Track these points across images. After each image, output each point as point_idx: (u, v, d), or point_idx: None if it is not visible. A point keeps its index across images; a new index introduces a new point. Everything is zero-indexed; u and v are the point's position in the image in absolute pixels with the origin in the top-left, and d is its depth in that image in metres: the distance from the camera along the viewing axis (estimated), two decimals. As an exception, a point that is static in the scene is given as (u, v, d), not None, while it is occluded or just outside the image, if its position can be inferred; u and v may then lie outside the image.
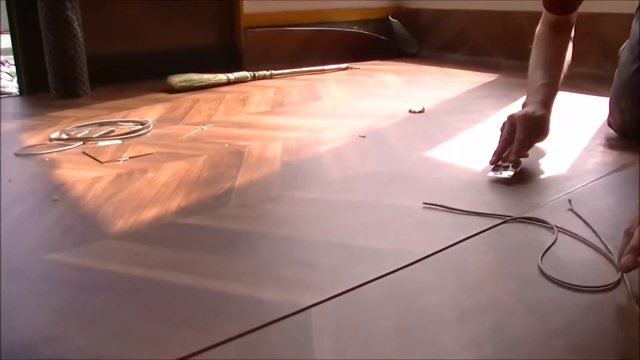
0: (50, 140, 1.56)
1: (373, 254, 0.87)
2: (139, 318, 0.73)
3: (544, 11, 1.46)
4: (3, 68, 2.45)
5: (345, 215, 1.02)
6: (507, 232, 0.95)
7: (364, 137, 1.51)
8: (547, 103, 1.29)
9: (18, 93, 2.26)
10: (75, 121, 1.73)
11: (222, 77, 2.25)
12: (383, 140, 1.48)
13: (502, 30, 2.63)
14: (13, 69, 2.44)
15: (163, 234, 0.96)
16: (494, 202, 1.07)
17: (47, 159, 1.40)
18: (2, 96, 2.22)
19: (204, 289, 0.79)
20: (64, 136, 1.58)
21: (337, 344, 0.67)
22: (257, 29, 2.63)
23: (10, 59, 2.49)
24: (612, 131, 1.48)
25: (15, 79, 2.41)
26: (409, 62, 2.76)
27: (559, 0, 1.43)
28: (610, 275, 0.80)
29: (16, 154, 1.45)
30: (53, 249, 0.92)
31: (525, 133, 1.20)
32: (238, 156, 1.36)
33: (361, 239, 0.92)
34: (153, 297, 0.77)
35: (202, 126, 1.64)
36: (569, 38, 1.45)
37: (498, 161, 1.20)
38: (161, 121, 1.72)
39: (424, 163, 1.29)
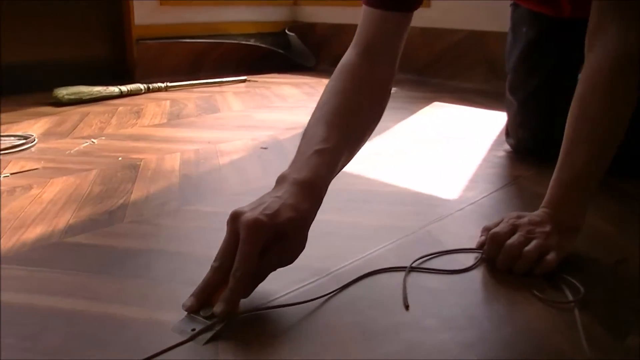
0: None
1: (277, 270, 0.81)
2: (20, 350, 0.63)
3: (361, 21, 0.94)
4: None
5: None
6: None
7: (265, 148, 1.45)
8: (313, 187, 0.75)
9: None
10: (-53, 137, 1.58)
11: (113, 89, 2.13)
12: (285, 152, 1.43)
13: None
14: None
15: (48, 255, 0.87)
16: (401, 214, 1.05)
17: None
18: None
19: (94, 313, 0.71)
20: None
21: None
22: (149, 41, 2.52)
23: None
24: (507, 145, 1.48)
25: None
26: (306, 75, 2.74)
27: None
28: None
29: None
30: None
31: (250, 260, 0.68)
32: (133, 170, 1.27)
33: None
34: (35, 327, 0.68)
35: (92, 139, 1.53)
36: (389, 84, 0.95)
37: (197, 307, 0.68)
38: (47, 135, 1.59)
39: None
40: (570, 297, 0.76)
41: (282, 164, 1.31)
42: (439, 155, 1.41)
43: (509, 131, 1.44)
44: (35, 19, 2.28)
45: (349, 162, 0.87)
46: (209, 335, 0.65)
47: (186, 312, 0.68)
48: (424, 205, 1.09)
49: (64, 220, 1.00)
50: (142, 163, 1.32)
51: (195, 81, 2.40)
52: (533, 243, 0.82)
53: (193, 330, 0.66)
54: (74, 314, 0.71)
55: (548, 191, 0.88)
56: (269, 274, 0.72)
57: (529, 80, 1.36)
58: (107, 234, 0.94)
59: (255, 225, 0.68)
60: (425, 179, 1.23)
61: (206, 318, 0.67)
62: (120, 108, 1.96)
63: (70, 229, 0.96)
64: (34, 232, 0.95)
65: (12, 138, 1.56)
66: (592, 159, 0.86)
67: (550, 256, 0.81)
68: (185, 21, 2.64)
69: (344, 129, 0.83)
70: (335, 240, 0.93)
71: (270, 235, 0.69)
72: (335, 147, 0.80)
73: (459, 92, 2.23)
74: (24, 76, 2.25)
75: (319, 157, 0.78)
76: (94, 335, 0.66)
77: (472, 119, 1.80)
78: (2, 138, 1.56)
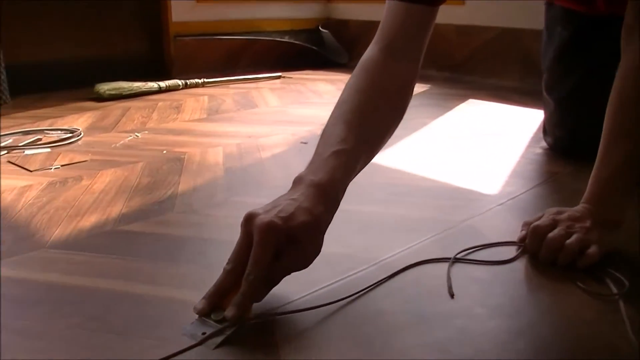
0: (-30, 150, 1.45)
1: (326, 259, 0.84)
2: (87, 330, 0.67)
3: (385, 15, 0.91)
4: None
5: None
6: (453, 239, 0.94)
7: (305, 143, 1.48)
8: (329, 190, 0.74)
9: None
10: (-5, 131, 1.63)
11: (152, 85, 2.17)
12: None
13: (430, 41, 2.67)
14: None
15: (105, 242, 0.90)
16: (443, 207, 1.07)
17: (-32, 169, 1.30)
18: None
19: (154, 297, 0.74)
20: (-14, 145, 1.48)
21: (299, 349, 0.63)
22: (186, 38, 2.56)
23: None
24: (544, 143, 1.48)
25: None
26: (340, 71, 2.76)
27: None
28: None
29: None
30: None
31: (263, 264, 0.66)
32: (178, 162, 1.31)
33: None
34: (100, 308, 0.72)
35: (136, 133, 1.58)
36: (412, 83, 0.92)
37: (209, 310, 0.68)
38: (91, 129, 1.63)
39: (367, 169, 1.27)
40: (615, 290, 0.77)
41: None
42: (476, 151, 1.42)
43: (547, 129, 1.44)
44: (75, 17, 2.33)
45: (369, 162, 0.85)
46: (219, 339, 0.64)
47: (197, 316, 0.67)
48: (464, 199, 1.10)
49: (116, 209, 1.03)
50: (186, 156, 1.36)
51: (231, 77, 2.43)
52: (574, 237, 0.83)
53: (204, 334, 0.64)
54: (135, 297, 0.74)
55: (588, 187, 0.89)
56: (282, 278, 0.70)
57: (565, 81, 1.36)
58: (159, 223, 0.97)
59: (269, 227, 0.66)
60: (464, 174, 1.24)
61: (217, 322, 0.66)
62: (160, 103, 2.00)
63: (123, 218, 1.00)
64: (89, 221, 0.98)
65: (59, 132, 1.61)
66: (631, 154, 0.86)
67: (592, 249, 0.82)
68: (221, 18, 2.68)
69: (364, 129, 0.81)
70: (380, 231, 0.95)
71: (284, 239, 0.68)
72: (354, 148, 0.78)
73: (494, 90, 2.23)
74: (66, 72, 2.30)
75: (337, 159, 0.76)
76: (155, 317, 0.69)
77: (508, 116, 1.81)
78: (49, 132, 1.61)
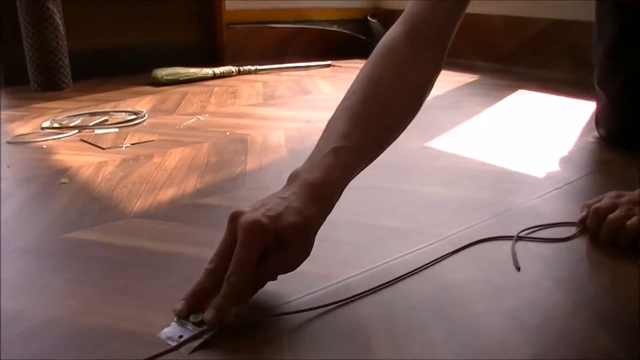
0: (42, 129, 1.53)
1: (396, 233, 0.89)
2: (181, 289, 0.72)
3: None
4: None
5: (361, 197, 1.03)
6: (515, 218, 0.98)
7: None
8: (323, 190, 0.69)
9: (-6, 86, 2.21)
10: (62, 112, 1.70)
11: (207, 71, 2.24)
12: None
13: (479, 33, 2.68)
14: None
15: (185, 213, 0.96)
16: (502, 190, 1.10)
17: (44, 146, 1.38)
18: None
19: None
20: (56, 125, 1.56)
21: (381, 306, 0.68)
22: (238, 25, 2.62)
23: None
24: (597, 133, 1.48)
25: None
26: (387, 61, 2.79)
27: None
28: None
29: (9, 142, 1.42)
30: (71, 228, 0.91)
31: (247, 265, 0.63)
32: (242, 143, 1.37)
33: (381, 218, 0.94)
34: (189, 271, 0.77)
35: (198, 116, 1.64)
36: (435, 73, 0.84)
37: (187, 312, 0.64)
38: (153, 112, 1.70)
39: (425, 153, 1.31)
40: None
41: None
42: (530, 139, 1.45)
43: (599, 121, 1.46)
44: (132, 7, 2.40)
45: (374, 159, 0.78)
46: (196, 343, 0.61)
47: (175, 318, 0.64)
48: (522, 182, 1.13)
49: (190, 184, 1.09)
50: (249, 138, 1.41)
51: (283, 65, 2.49)
52: (635, 218, 0.86)
53: (181, 337, 0.62)
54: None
55: None
56: (267, 281, 0.68)
57: (616, 76, 1.36)
58: (233, 198, 1.03)
59: (255, 227, 0.63)
60: (519, 159, 1.27)
61: (195, 324, 0.63)
62: (216, 89, 2.06)
63: (198, 193, 1.05)
64: (167, 194, 1.05)
65: (124, 113, 1.68)
66: None
67: None
68: (271, 7, 2.73)
69: (370, 124, 0.74)
70: (443, 211, 0.99)
71: (271, 240, 0.64)
72: (356, 145, 0.72)
73: (543, 81, 2.24)
74: (124, 59, 2.38)
75: (336, 157, 0.70)
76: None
77: (559, 107, 1.82)
78: (115, 113, 1.68)
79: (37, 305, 0.70)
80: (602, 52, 1.39)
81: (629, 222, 0.86)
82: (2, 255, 0.83)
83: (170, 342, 0.62)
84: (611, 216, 0.87)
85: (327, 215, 0.70)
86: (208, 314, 0.63)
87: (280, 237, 0.65)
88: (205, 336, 0.62)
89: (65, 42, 2.08)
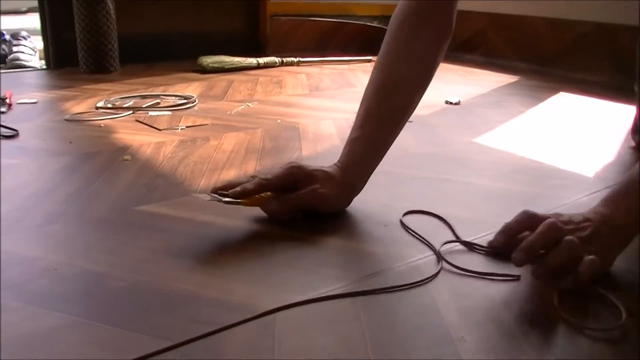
0: (97, 108, 1.58)
1: (458, 222, 0.91)
2: (257, 264, 0.76)
3: None
4: (25, 42, 2.45)
5: (420, 186, 1.06)
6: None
7: (410, 122, 1.54)
8: (344, 170, 0.92)
9: (44, 67, 2.27)
10: (113, 94, 1.75)
11: (252, 60, 2.28)
12: (429, 126, 1.52)
13: (519, 34, 2.69)
14: (35, 44, 2.45)
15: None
16: (553, 186, 1.12)
17: (101, 125, 1.42)
18: (25, 70, 2.24)
19: (313, 241, 0.83)
20: (109, 105, 1.60)
21: (450, 287, 0.71)
22: (282, 17, 2.66)
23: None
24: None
25: (37, 54, 2.42)
26: (426, 59, 2.81)
27: None
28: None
29: (67, 119, 1.47)
30: (141, 202, 0.95)
31: (275, 178, 0.88)
32: (294, 131, 1.40)
33: (441, 207, 0.97)
34: (265, 247, 0.81)
35: (247, 103, 1.68)
36: (445, 35, 0.91)
37: (217, 190, 0.86)
38: (203, 97, 1.74)
39: (474, 148, 1.34)
40: (611, 324, 0.66)
41: (430, 136, 1.41)
42: (573, 140, 1.46)
43: (637, 128, 1.46)
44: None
45: (396, 137, 0.94)
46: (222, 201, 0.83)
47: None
48: (572, 180, 1.15)
49: (251, 166, 1.13)
50: (300, 126, 1.45)
51: (325, 58, 2.52)
52: (587, 260, 0.70)
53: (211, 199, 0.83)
54: (296, 240, 0.84)
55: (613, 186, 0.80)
56: (299, 205, 0.87)
57: None
58: (294, 181, 1.06)
59: (290, 163, 0.88)
60: (566, 159, 1.29)
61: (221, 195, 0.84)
62: (261, 78, 2.10)
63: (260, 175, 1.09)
64: (229, 174, 1.08)
65: (174, 97, 1.72)
66: None
67: (588, 264, 0.70)
68: (315, 0, 2.76)
69: (381, 109, 0.91)
70: (499, 202, 1.01)
71: (301, 175, 0.87)
72: (371, 133, 0.91)
73: (583, 84, 2.25)
74: (169, 45, 2.43)
75: (353, 146, 0.92)
76: (314, 256, 0.79)
77: (600, 110, 1.84)
78: (165, 97, 1.73)
79: (121, 269, 0.74)
80: None
81: (581, 268, 0.70)
82: (80, 222, 0.87)
83: (200, 196, 0.85)
84: (552, 260, 0.71)
85: (352, 192, 0.92)
86: (232, 191, 0.84)
87: (309, 175, 0.87)
88: (224, 200, 0.83)
89: (115, 26, 2.13)
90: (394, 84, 0.90)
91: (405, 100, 0.92)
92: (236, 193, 0.83)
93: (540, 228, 0.72)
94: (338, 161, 0.92)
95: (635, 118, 1.47)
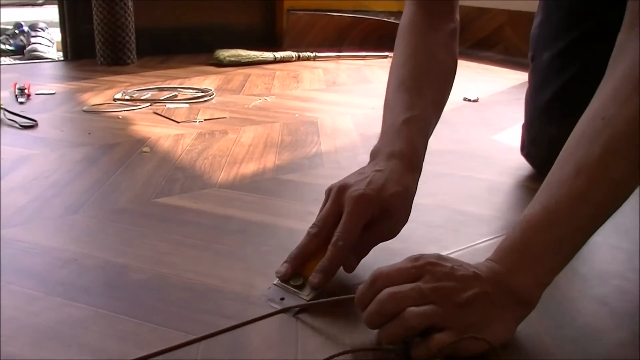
0: (114, 100, 1.58)
1: (481, 220, 0.90)
2: (279, 257, 0.75)
3: None
4: (42, 34, 2.46)
5: (444, 183, 1.05)
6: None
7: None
8: (412, 158, 0.73)
9: (62, 59, 2.27)
10: (130, 86, 1.75)
11: (268, 55, 2.27)
12: (448, 123, 1.51)
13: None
14: (52, 35, 2.46)
15: (270, 187, 1.00)
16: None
17: (120, 117, 1.42)
18: (43, 61, 2.25)
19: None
20: (127, 97, 1.60)
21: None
22: (299, 12, 2.65)
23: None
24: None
25: (54, 45, 2.43)
26: (442, 56, 2.79)
27: None
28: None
29: (85, 111, 1.47)
30: (161, 194, 0.95)
31: (354, 232, 0.67)
32: (312, 125, 1.39)
33: (464, 205, 0.96)
34: (285, 240, 0.80)
35: (265, 97, 1.67)
36: (455, 32, 0.87)
37: (290, 275, 0.67)
38: (220, 90, 1.74)
39: (494, 145, 1.32)
40: None
41: (450, 132, 1.40)
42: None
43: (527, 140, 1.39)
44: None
45: (437, 122, 0.82)
46: (299, 306, 0.64)
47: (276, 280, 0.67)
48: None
49: (270, 161, 1.12)
50: (318, 121, 1.44)
51: (341, 53, 2.51)
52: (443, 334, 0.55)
53: (282, 299, 0.65)
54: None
55: (506, 235, 0.62)
56: (371, 248, 0.71)
57: None
58: (314, 175, 1.06)
59: (363, 198, 0.67)
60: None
61: (296, 287, 0.66)
62: (278, 72, 2.09)
63: (278, 169, 1.08)
64: (249, 168, 1.08)
65: (192, 90, 1.72)
66: (593, 212, 0.60)
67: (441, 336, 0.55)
68: (331, -5, 2.75)
69: (426, 91, 0.79)
70: (522, 201, 1.00)
71: (377, 210, 0.68)
72: (423, 112, 0.77)
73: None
74: (186, 38, 2.43)
75: (409, 126, 0.75)
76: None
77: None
78: (183, 90, 1.72)
79: (143, 261, 0.73)
80: None
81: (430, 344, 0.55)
82: (100, 213, 0.87)
83: (273, 305, 0.65)
84: (385, 334, 0.57)
85: (418, 180, 0.74)
86: (314, 278, 0.65)
87: (384, 207, 0.68)
88: (307, 299, 0.65)
89: (133, 19, 2.13)
90: (428, 73, 0.83)
91: (444, 85, 0.86)
92: (322, 282, 0.65)
93: (380, 295, 0.57)
94: (390, 146, 0.74)
95: (523, 129, 1.19)
